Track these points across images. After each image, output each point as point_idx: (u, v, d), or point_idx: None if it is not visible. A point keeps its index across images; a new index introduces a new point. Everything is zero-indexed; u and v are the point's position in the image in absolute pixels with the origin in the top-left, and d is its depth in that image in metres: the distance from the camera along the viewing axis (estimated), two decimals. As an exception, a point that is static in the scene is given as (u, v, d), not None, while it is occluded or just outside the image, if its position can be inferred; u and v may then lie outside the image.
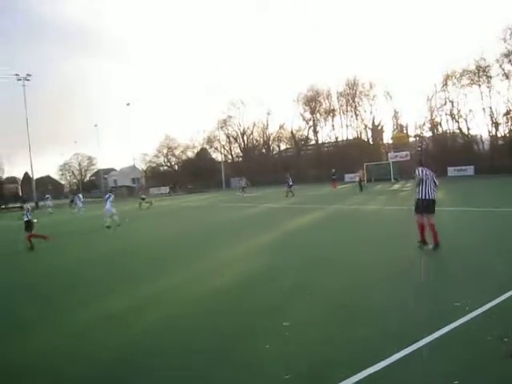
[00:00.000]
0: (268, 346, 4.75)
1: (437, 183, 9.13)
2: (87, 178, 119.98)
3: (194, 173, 77.16)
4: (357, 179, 34.65)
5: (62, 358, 4.99)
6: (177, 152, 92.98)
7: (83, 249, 14.57)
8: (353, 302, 6.16)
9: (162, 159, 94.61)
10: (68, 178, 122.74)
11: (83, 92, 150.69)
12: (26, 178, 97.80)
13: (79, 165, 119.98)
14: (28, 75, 65.82)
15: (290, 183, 33.40)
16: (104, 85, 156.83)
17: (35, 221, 15.79)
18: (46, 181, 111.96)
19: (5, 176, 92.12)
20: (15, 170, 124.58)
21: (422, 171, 9.00)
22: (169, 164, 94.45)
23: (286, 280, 7.64)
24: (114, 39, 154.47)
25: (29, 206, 16.78)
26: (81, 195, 37.04)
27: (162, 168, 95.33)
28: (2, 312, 7.29)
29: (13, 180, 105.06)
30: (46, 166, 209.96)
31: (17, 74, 65.31)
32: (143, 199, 34.72)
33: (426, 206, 8.83)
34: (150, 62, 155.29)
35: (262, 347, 4.74)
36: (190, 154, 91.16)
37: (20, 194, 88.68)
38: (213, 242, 13.29)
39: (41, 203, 49.58)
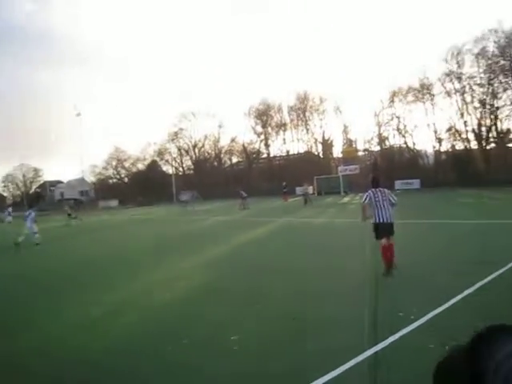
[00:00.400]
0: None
1: (394, 201, 8.50)
2: (33, 190, 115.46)
3: (144, 185, 75.78)
4: (303, 192, 35.03)
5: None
6: (127, 164, 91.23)
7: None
8: (302, 313, 6.18)
9: (111, 171, 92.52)
10: (11, 189, 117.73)
11: (30, 101, 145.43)
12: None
13: (24, 176, 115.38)
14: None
15: (244, 195, 33.47)
16: (51, 95, 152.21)
17: None
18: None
19: None
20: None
21: (369, 196, 8.41)
22: (118, 176, 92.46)
23: (235, 292, 7.52)
24: (64, 47, 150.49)
25: None
26: (10, 209, 34.53)
27: (111, 180, 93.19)
28: None
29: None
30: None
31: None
32: (69, 215, 32.16)
33: (384, 229, 8.32)
34: (100, 70, 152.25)
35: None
36: (141, 166, 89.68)
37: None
38: (156, 257, 12.91)
39: None
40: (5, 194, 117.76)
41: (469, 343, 0.66)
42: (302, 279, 8.33)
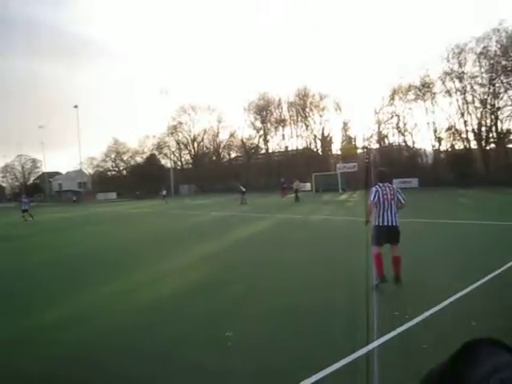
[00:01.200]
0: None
1: (403, 201, 7.22)
2: (31, 181, 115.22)
3: (142, 179, 75.52)
4: (294, 189, 35.07)
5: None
6: (125, 157, 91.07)
7: None
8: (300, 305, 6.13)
9: (109, 164, 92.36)
10: (10, 180, 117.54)
11: (29, 92, 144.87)
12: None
13: (22, 167, 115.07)
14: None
15: (243, 190, 33.37)
16: (51, 86, 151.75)
17: None
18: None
19: None
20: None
21: (378, 193, 7.09)
22: (117, 169, 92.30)
23: (234, 287, 7.52)
24: (63, 40, 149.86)
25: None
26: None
27: (109, 173, 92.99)
28: None
29: None
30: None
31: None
32: (25, 211, 29.64)
33: (388, 235, 7.06)
34: (99, 62, 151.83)
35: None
36: (139, 159, 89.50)
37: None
38: (149, 253, 12.60)
39: None
40: (4, 185, 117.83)
41: (453, 356, 0.66)
42: (301, 274, 8.23)
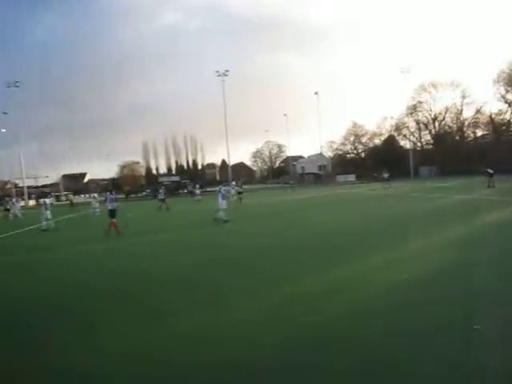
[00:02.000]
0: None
1: None
2: (276, 165, 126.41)
3: (380, 161, 75.78)
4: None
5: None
6: (364, 139, 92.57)
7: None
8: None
9: (348, 147, 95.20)
10: (259, 164, 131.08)
11: (274, 84, 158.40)
12: (223, 164, 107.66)
13: (270, 152, 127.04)
14: (226, 71, 72.62)
15: (491, 172, 30.95)
16: (293, 76, 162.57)
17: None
18: (239, 167, 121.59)
19: (206, 163, 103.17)
20: (214, 157, 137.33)
21: None
22: (355, 152, 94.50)
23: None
24: (306, 33, 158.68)
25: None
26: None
27: (348, 156, 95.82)
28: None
29: (212, 166, 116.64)
30: (240, 153, 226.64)
31: (217, 71, 72.55)
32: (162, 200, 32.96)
33: None
34: (335, 52, 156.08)
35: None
36: (377, 141, 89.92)
37: (217, 178, 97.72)
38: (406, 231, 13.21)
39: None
40: (254, 168, 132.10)
41: None
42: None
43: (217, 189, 21.22)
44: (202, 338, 5.33)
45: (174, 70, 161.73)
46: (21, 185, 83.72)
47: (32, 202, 67.32)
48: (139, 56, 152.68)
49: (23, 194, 75.08)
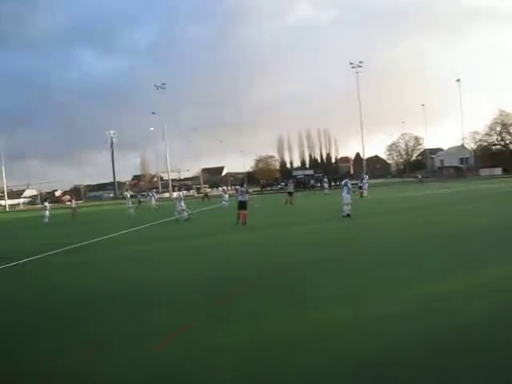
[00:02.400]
0: None
1: None
2: (413, 158, 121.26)
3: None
4: None
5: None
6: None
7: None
8: None
9: (494, 137, 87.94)
10: (395, 157, 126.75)
11: (410, 72, 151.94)
12: (357, 157, 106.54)
13: (406, 145, 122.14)
14: (360, 62, 71.83)
15: None
16: (431, 63, 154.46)
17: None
18: (374, 160, 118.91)
19: (339, 156, 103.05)
20: (348, 151, 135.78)
21: None
22: (502, 143, 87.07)
23: None
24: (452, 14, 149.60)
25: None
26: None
27: (494, 147, 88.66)
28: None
29: (346, 160, 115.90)
30: (375, 146, 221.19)
31: (351, 63, 72.07)
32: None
33: None
34: (480, 33, 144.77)
35: None
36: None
37: (351, 172, 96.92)
38: None
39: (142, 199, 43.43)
40: (389, 162, 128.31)
41: None
42: None
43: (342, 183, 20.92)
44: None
45: (308, 64, 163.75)
46: (165, 178, 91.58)
47: (175, 194, 73.27)
48: (274, 53, 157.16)
49: (167, 187, 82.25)
